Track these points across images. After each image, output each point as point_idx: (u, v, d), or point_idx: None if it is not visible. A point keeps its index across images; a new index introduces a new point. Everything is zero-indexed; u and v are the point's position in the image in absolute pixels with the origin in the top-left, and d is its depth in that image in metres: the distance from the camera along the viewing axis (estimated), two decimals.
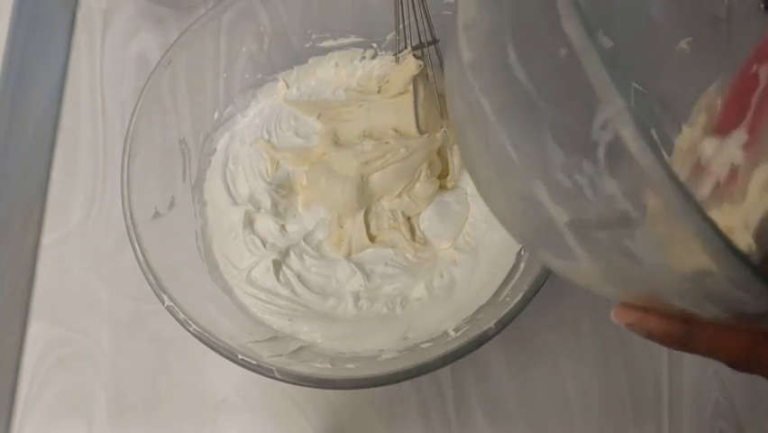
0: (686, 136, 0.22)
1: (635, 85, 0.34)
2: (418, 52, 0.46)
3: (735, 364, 0.23)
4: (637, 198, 0.15)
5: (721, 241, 0.14)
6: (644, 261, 0.17)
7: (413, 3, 0.43)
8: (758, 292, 0.15)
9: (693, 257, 0.15)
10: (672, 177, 0.14)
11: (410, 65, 0.45)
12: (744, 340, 0.22)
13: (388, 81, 0.49)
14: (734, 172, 0.21)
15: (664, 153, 0.15)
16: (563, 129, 0.17)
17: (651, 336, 0.22)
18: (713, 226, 0.14)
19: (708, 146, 0.21)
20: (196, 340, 0.36)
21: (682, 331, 0.22)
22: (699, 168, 0.21)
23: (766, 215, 0.19)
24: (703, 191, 0.21)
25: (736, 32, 0.29)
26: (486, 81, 0.21)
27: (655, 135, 0.34)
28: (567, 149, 0.17)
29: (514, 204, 0.23)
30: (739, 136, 0.21)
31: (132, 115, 0.42)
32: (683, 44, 0.32)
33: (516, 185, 0.21)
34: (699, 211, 0.14)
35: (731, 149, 0.21)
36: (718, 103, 0.20)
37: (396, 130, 0.47)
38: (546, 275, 0.36)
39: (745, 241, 0.19)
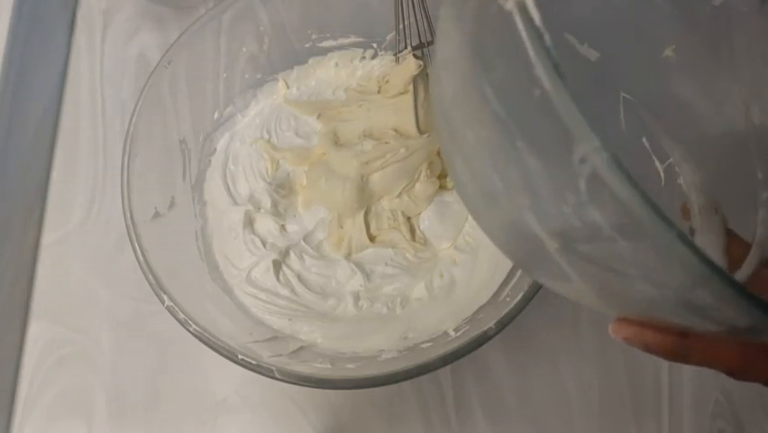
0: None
1: (623, 94, 0.34)
2: (418, 52, 0.46)
3: (732, 374, 0.23)
4: (620, 226, 0.16)
5: (703, 264, 0.15)
6: (634, 281, 0.18)
7: (413, 3, 0.43)
8: (742, 308, 0.15)
9: (679, 278, 0.16)
10: (650, 206, 0.14)
11: (410, 65, 0.45)
12: (738, 351, 0.22)
13: (388, 81, 0.49)
14: None
15: (639, 184, 0.15)
16: (545, 162, 0.18)
17: (648, 349, 0.23)
18: (694, 250, 0.15)
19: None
20: (196, 340, 0.36)
21: (678, 344, 0.22)
22: None
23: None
24: None
25: (728, 34, 0.30)
26: (466, 115, 0.21)
27: (646, 143, 0.34)
28: (550, 180, 0.18)
29: (505, 229, 0.24)
30: None
31: (132, 115, 0.42)
32: (669, 51, 0.32)
33: (505, 212, 0.22)
34: (679, 237, 0.14)
35: None
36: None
37: (396, 130, 0.47)
38: None
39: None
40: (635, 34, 0.32)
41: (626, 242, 0.17)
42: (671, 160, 0.33)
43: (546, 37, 0.15)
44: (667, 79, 0.32)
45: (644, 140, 0.34)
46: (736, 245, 0.29)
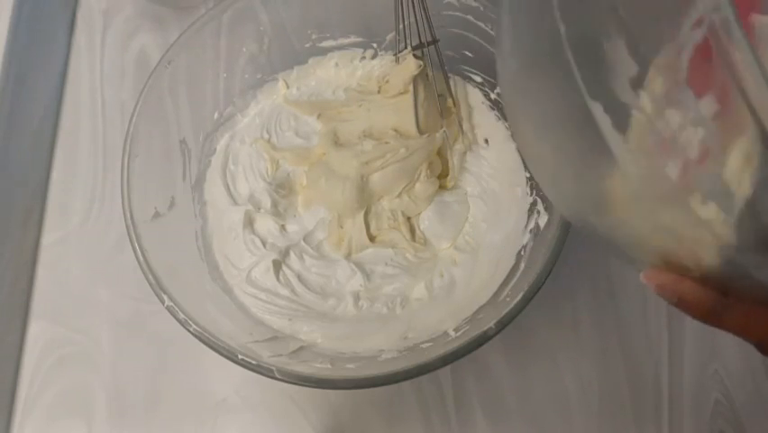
0: (644, 104, 0.18)
1: None
2: (418, 52, 0.46)
3: (763, 346, 0.21)
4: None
5: None
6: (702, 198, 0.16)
7: (413, 3, 0.43)
8: None
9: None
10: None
11: (410, 65, 0.45)
12: None
13: (388, 81, 0.49)
14: (705, 149, 0.17)
15: None
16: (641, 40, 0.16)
17: (682, 301, 0.21)
18: None
19: (673, 118, 0.17)
20: (196, 340, 0.36)
21: (716, 301, 0.20)
22: (662, 144, 0.18)
23: (747, 202, 0.17)
24: (671, 173, 0.18)
25: None
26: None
27: None
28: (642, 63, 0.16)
29: (568, 139, 0.22)
30: (708, 105, 0.17)
31: (132, 115, 0.42)
32: None
33: (576, 106, 0.20)
34: None
35: (700, 121, 0.17)
36: (682, 63, 0.16)
37: (396, 130, 0.47)
38: (546, 275, 0.36)
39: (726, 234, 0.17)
40: None
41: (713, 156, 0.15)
42: None
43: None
44: None
45: None
46: None
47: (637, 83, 0.17)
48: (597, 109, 0.18)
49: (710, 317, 0.21)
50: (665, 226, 0.19)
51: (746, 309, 0.21)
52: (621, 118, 0.18)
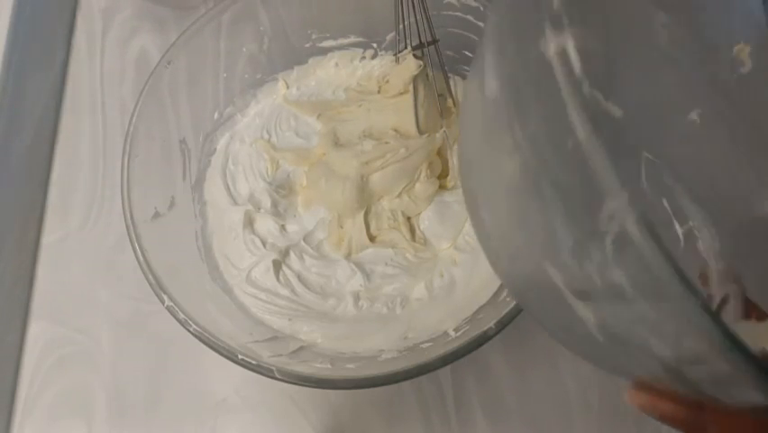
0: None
1: (645, 154, 0.33)
2: (418, 52, 0.46)
3: None
4: (642, 288, 0.16)
5: (724, 336, 0.14)
6: (652, 345, 0.17)
7: (413, 3, 0.43)
8: (760, 386, 0.15)
9: (699, 347, 0.15)
10: (676, 270, 0.14)
11: (410, 65, 0.45)
12: (755, 427, 0.21)
13: (388, 81, 0.49)
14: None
15: (670, 249, 0.15)
16: (571, 215, 0.17)
17: (663, 419, 0.23)
18: (716, 320, 0.14)
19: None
20: (196, 340, 0.36)
21: (694, 417, 0.22)
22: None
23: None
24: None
25: (755, 104, 0.29)
26: (494, 155, 0.21)
27: (666, 205, 0.33)
28: (574, 234, 0.17)
29: (523, 279, 0.23)
30: None
31: (132, 115, 0.42)
32: (694, 115, 0.31)
33: (525, 262, 0.21)
34: (702, 305, 0.14)
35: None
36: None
37: (396, 130, 0.47)
38: None
39: None
40: (661, 95, 0.32)
41: (648, 304, 0.16)
42: (691, 223, 0.32)
43: (585, 86, 0.15)
44: (691, 143, 0.32)
45: (664, 201, 0.33)
46: (755, 315, 0.27)
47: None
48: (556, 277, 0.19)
49: (685, 430, 0.22)
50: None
51: (722, 420, 0.21)
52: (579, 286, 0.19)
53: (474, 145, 0.23)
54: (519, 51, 0.18)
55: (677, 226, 0.33)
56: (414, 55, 0.45)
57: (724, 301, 0.28)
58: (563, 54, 0.15)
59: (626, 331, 0.18)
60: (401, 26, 0.44)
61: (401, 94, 0.47)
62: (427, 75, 0.46)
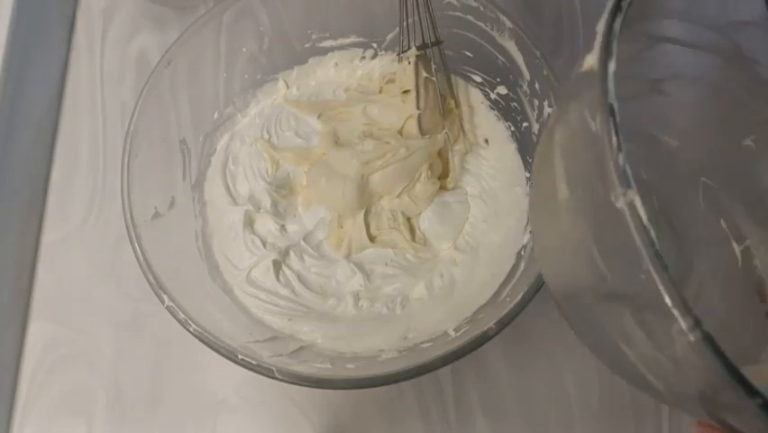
0: None
1: (703, 179, 0.35)
2: (421, 53, 0.46)
3: None
4: (709, 385, 0.20)
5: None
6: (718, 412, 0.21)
7: (417, 2, 0.43)
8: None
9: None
10: (739, 380, 0.17)
11: (413, 65, 0.45)
12: None
13: (390, 81, 0.49)
14: None
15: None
16: (643, 320, 0.21)
17: None
18: None
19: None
20: (196, 340, 0.36)
21: None
22: None
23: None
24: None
25: None
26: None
27: (724, 225, 0.35)
28: (648, 333, 0.21)
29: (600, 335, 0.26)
30: None
31: (132, 115, 0.42)
32: (748, 141, 0.33)
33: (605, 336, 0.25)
34: (761, 407, 0.18)
35: None
36: None
37: (396, 130, 0.47)
38: None
39: None
40: (715, 124, 0.34)
41: (716, 393, 0.20)
42: (747, 242, 0.34)
43: (652, 233, 0.18)
44: (748, 166, 0.34)
45: (721, 222, 0.35)
46: None
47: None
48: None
49: None
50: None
51: None
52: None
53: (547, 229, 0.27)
54: (596, 201, 0.21)
55: (734, 245, 0.35)
56: (417, 56, 0.45)
57: None
58: (632, 206, 0.18)
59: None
60: (405, 25, 0.44)
61: (403, 93, 0.47)
62: (428, 76, 0.46)
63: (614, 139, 0.19)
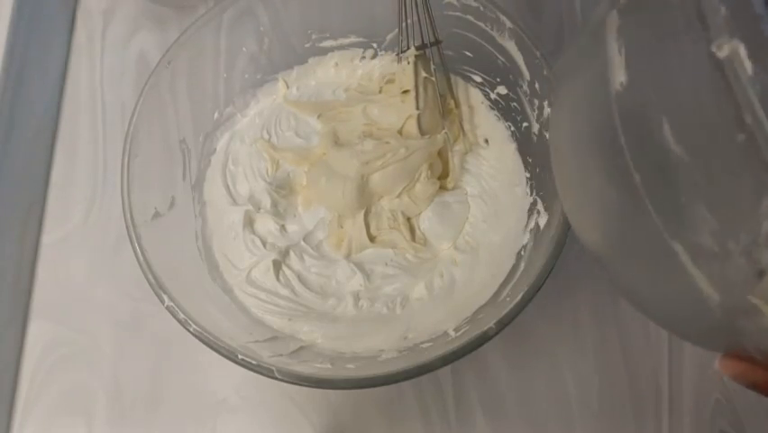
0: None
1: None
2: (421, 53, 0.46)
3: None
4: None
5: None
6: None
7: (416, 2, 0.43)
8: None
9: None
10: None
11: (412, 65, 0.45)
12: None
13: (390, 81, 0.49)
14: None
15: None
16: (720, 203, 0.19)
17: (756, 387, 0.24)
18: None
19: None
20: (196, 340, 0.36)
21: None
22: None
23: None
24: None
25: None
26: (633, 149, 0.22)
27: None
28: (723, 220, 0.19)
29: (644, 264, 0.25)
30: None
31: (132, 115, 0.42)
32: None
33: (650, 243, 0.22)
34: None
35: None
36: None
37: (396, 130, 0.47)
38: (546, 275, 0.36)
39: None
40: None
41: None
42: None
43: (757, 87, 0.16)
44: None
45: None
46: None
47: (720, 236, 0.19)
48: (678, 247, 0.20)
49: None
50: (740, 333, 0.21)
51: None
52: (703, 257, 0.20)
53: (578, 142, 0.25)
54: (683, 62, 0.19)
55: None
56: (416, 56, 0.45)
57: None
58: (736, 56, 0.16)
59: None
60: (404, 25, 0.44)
61: (402, 93, 0.47)
62: (428, 76, 0.46)
63: None
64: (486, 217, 0.46)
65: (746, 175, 0.17)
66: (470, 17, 0.44)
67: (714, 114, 0.18)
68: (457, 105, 0.49)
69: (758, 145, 0.16)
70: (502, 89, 0.46)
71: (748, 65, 0.16)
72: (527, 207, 0.44)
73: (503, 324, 0.35)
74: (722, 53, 0.17)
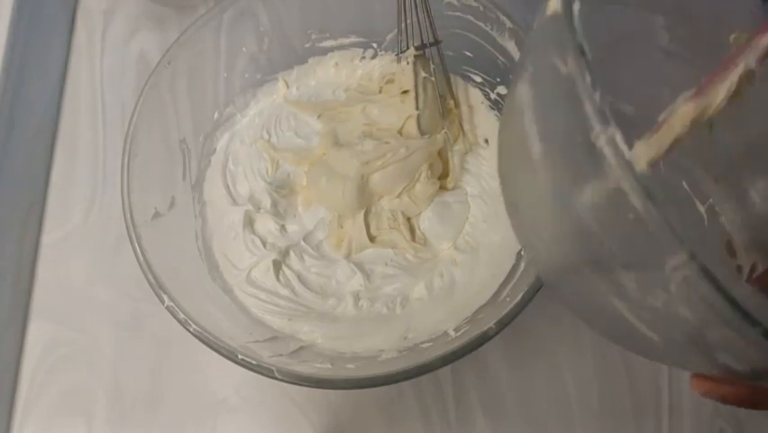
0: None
1: None
2: (420, 53, 0.46)
3: None
4: (707, 321, 0.19)
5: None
6: (717, 355, 0.21)
7: (415, 3, 0.43)
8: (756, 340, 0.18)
9: (759, 357, 0.19)
10: (739, 310, 0.17)
11: (412, 65, 0.45)
12: None
13: (389, 81, 0.49)
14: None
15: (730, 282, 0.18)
16: (634, 264, 0.21)
17: (725, 400, 0.26)
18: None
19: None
20: (196, 340, 0.36)
21: (751, 393, 0.26)
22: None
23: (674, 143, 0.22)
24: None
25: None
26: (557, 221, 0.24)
27: (686, 185, 0.35)
28: (639, 279, 0.21)
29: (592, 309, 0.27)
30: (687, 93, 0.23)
31: (132, 115, 0.42)
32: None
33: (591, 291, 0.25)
34: (763, 334, 0.17)
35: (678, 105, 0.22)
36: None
37: (396, 130, 0.47)
38: None
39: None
40: (669, 87, 0.34)
41: (712, 331, 0.19)
42: (710, 200, 0.35)
43: (638, 166, 0.17)
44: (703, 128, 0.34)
45: (683, 183, 0.36)
46: None
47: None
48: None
49: (749, 406, 0.26)
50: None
51: None
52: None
53: (520, 189, 0.27)
54: (580, 154, 0.20)
55: (698, 204, 0.35)
56: (416, 56, 0.45)
57: (753, 269, 0.31)
58: (612, 142, 0.18)
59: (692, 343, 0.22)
60: (403, 26, 0.44)
61: (402, 93, 0.47)
62: (428, 75, 0.46)
63: (587, 77, 0.18)
64: (486, 217, 0.46)
65: (645, 244, 0.18)
66: (470, 17, 0.44)
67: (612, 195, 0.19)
68: (457, 105, 0.49)
69: (645, 222, 0.18)
70: (502, 89, 0.46)
71: (624, 148, 0.18)
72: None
73: (503, 324, 0.35)
74: (599, 142, 0.18)
